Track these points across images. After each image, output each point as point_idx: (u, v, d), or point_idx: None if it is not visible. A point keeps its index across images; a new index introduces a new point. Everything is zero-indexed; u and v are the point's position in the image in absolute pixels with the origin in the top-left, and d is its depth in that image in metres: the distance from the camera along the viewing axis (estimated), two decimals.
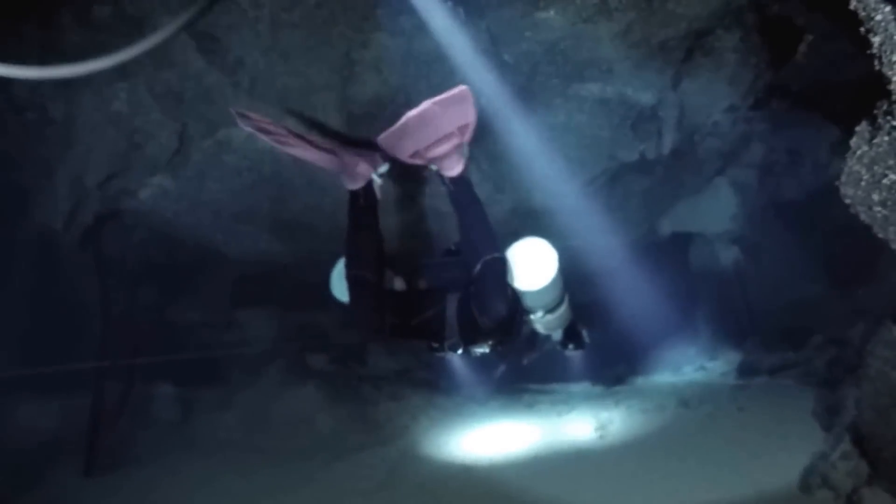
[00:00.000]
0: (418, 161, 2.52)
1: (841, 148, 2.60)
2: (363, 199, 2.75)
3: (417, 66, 4.75)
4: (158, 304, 7.80)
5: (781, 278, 7.83)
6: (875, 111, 2.41)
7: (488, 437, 6.47)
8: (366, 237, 2.80)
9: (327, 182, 5.89)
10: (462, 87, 2.33)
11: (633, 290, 8.47)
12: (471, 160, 3.11)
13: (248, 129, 2.50)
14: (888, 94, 2.29)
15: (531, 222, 6.62)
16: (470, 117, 2.45)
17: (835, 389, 4.85)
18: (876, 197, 2.47)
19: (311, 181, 6.07)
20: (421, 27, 4.46)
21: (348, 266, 2.80)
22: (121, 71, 4.60)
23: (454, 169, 2.69)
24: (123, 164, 5.31)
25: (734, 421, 5.40)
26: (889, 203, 2.42)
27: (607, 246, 7.62)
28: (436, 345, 2.86)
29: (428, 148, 2.47)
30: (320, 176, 5.87)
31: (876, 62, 2.28)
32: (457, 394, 7.76)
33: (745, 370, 7.05)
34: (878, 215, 2.48)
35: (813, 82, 5.47)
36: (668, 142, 5.91)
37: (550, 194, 6.28)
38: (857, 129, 2.51)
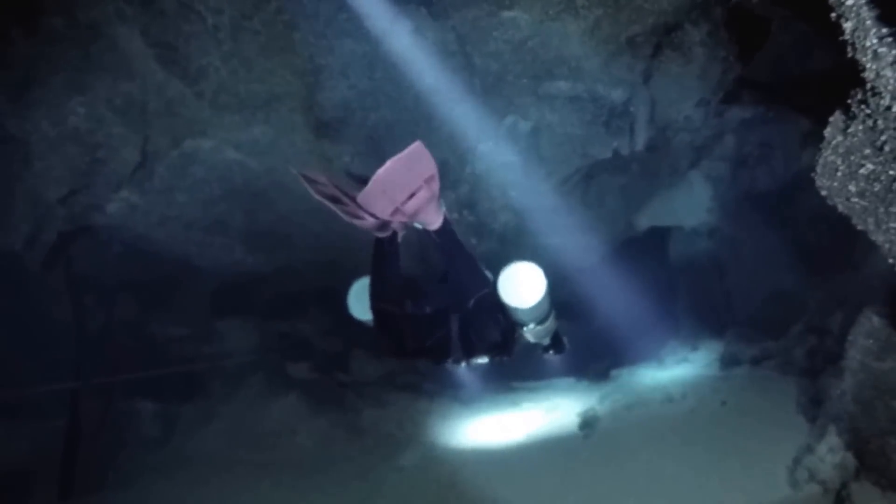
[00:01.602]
0: (400, 218, 2.69)
1: (812, 139, 2.53)
2: (387, 246, 2.96)
3: (385, 70, 4.68)
4: (137, 320, 7.65)
5: (759, 268, 7.86)
6: (849, 100, 2.28)
7: (474, 439, 6.39)
8: (390, 275, 3.04)
9: (299, 193, 5.76)
10: (416, 144, 2.47)
11: (613, 286, 8.46)
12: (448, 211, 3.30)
13: (317, 198, 2.59)
14: (862, 81, 2.20)
15: (511, 221, 6.57)
16: (431, 168, 2.60)
17: (816, 379, 4.84)
18: (853, 188, 2.38)
19: (284, 191, 5.94)
20: (387, 31, 4.39)
21: (373, 298, 3.06)
22: (77, 85, 4.45)
23: (435, 222, 2.89)
24: (86, 179, 5.15)
25: (718, 415, 5.38)
26: (867, 193, 2.32)
27: (587, 243, 7.60)
28: (443, 360, 3.18)
29: (404, 204, 2.62)
30: (294, 186, 5.76)
31: (848, 49, 2.19)
32: (441, 396, 7.65)
33: (727, 361, 7.05)
34: (857, 206, 2.38)
35: (781, 75, 5.49)
36: (641, 137, 5.90)
37: (526, 194, 6.23)
38: (831, 119, 2.39)
